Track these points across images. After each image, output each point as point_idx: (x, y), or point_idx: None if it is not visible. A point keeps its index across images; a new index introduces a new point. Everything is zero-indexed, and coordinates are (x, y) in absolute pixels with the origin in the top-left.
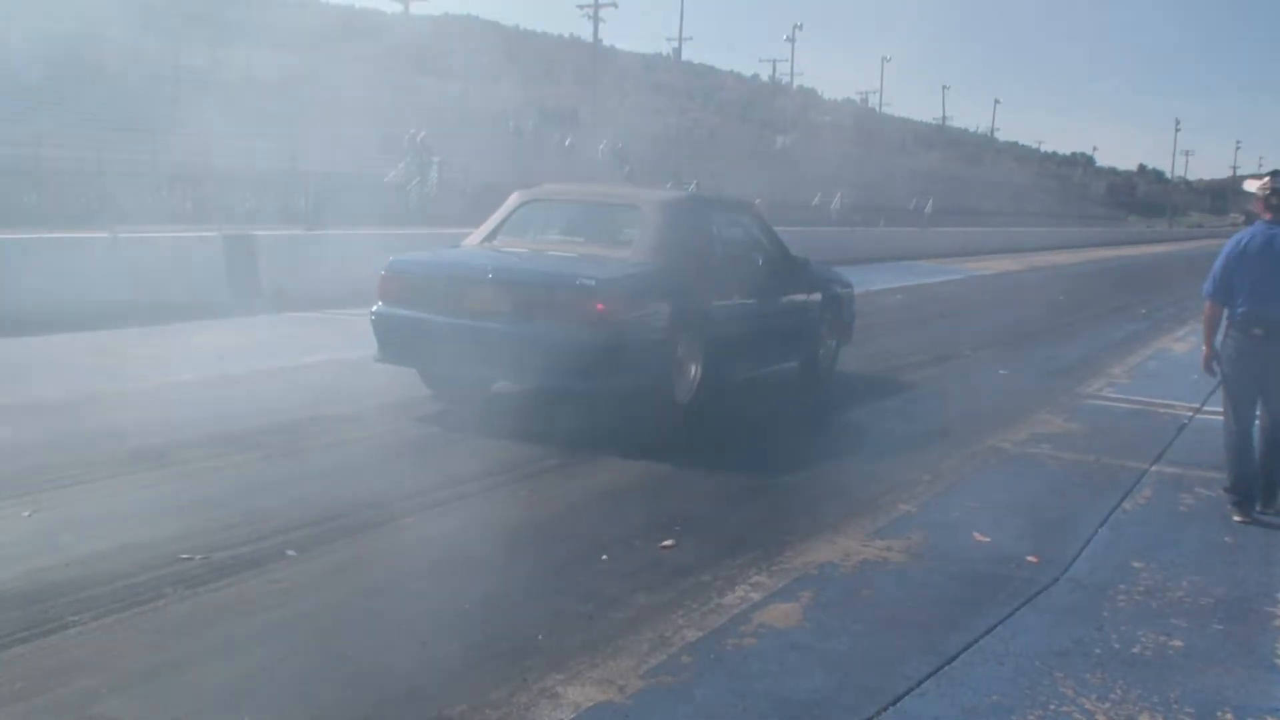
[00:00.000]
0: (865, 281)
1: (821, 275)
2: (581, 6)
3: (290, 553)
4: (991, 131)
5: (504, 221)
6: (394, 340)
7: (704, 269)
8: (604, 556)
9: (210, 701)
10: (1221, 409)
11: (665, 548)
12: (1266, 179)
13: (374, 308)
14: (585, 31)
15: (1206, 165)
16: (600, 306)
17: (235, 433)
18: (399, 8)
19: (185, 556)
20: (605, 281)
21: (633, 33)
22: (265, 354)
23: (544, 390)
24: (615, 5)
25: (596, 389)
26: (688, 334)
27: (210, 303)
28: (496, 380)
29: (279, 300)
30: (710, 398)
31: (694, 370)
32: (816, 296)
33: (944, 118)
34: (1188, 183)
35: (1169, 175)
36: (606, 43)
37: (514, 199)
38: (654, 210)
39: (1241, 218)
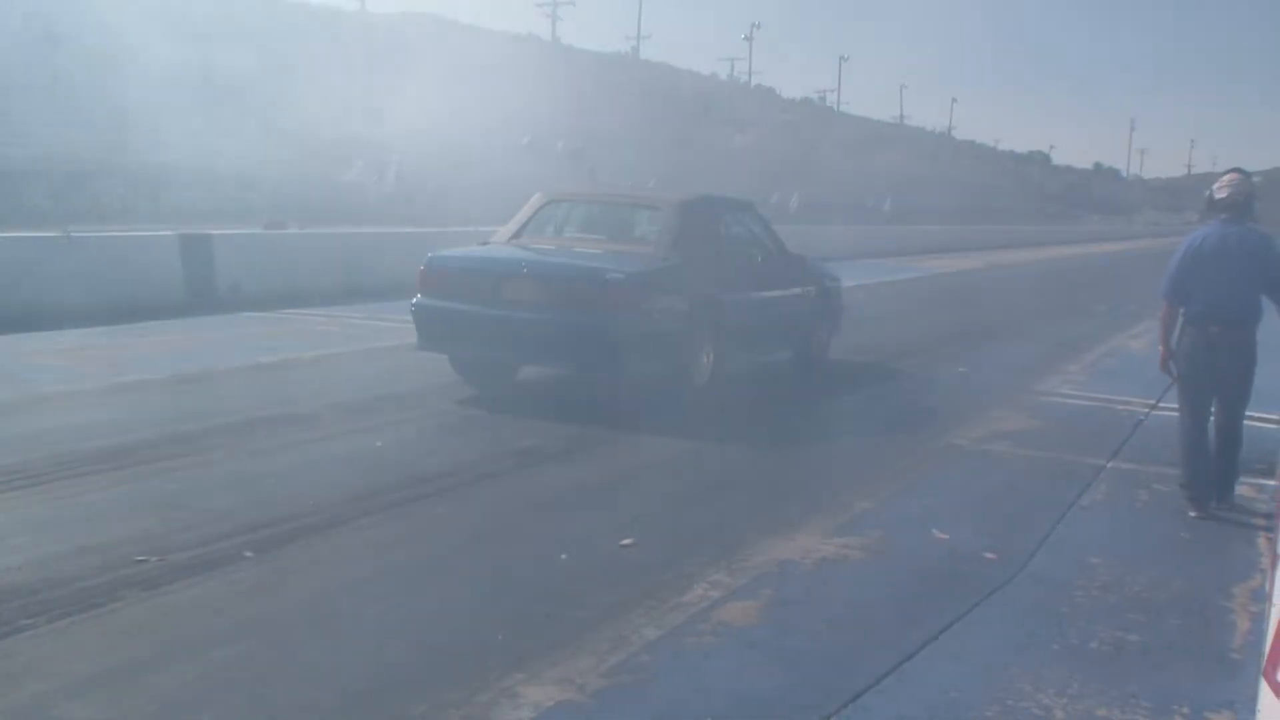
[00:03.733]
0: None
1: (814, 270)
2: (540, 5)
3: (248, 554)
4: (949, 130)
5: (529, 220)
6: (433, 329)
7: (716, 264)
8: (563, 555)
9: (167, 705)
10: (1177, 406)
11: (625, 546)
12: (1233, 173)
13: (414, 300)
14: (543, 30)
15: (1162, 163)
16: (628, 298)
17: (192, 433)
18: (356, 5)
19: (142, 558)
20: (632, 275)
21: (591, 31)
22: (221, 354)
23: (575, 373)
24: (573, 3)
25: (623, 373)
26: (703, 323)
27: (166, 302)
28: (530, 364)
29: (236, 300)
30: (722, 382)
31: (708, 357)
32: (811, 290)
33: (901, 116)
34: (1143, 181)
35: (1125, 173)
36: (565, 41)
37: (536, 199)
38: (672, 210)
39: (1196, 216)
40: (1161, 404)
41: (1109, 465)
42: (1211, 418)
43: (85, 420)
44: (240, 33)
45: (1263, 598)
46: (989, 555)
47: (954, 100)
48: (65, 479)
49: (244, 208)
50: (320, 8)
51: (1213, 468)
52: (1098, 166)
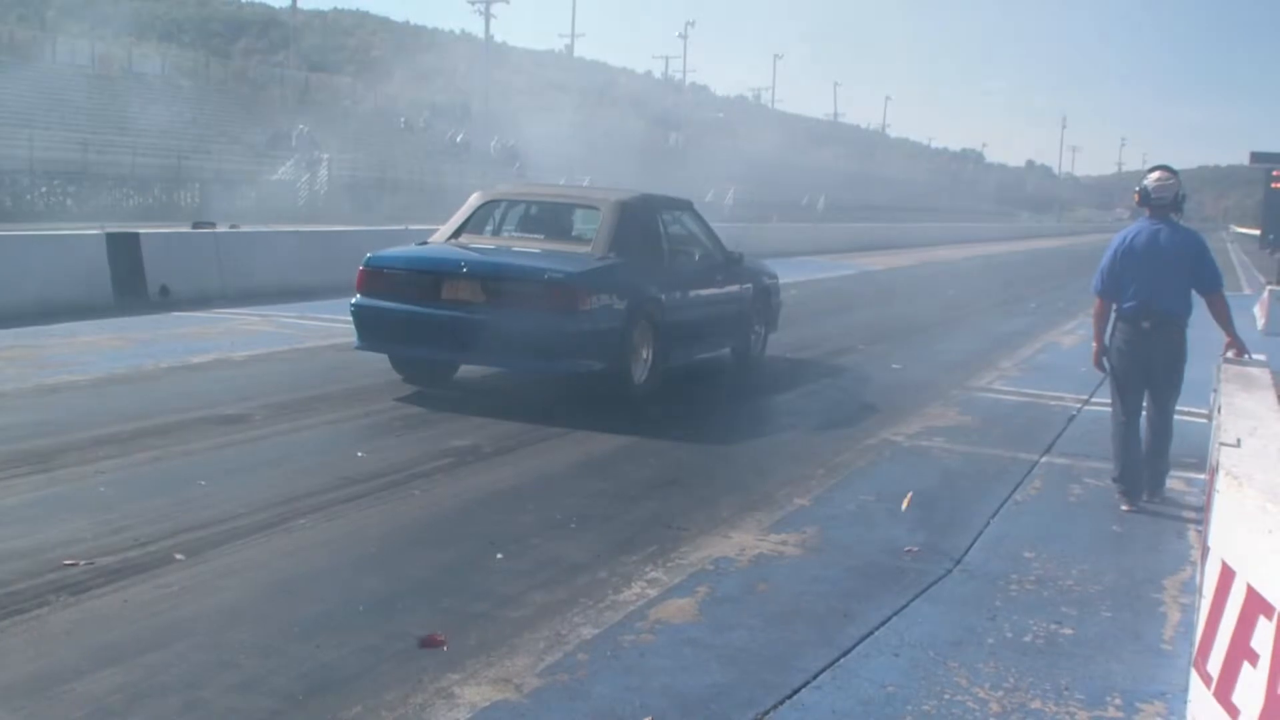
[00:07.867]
0: None
1: (752, 268)
2: (473, 2)
3: (179, 556)
4: (883, 128)
5: (467, 220)
6: (372, 329)
7: (654, 263)
8: (499, 555)
9: (96, 711)
10: (1109, 401)
11: (561, 543)
12: (1161, 170)
13: (353, 300)
14: (477, 27)
15: (1093, 161)
16: (567, 297)
17: (121, 434)
18: (287, 2)
19: (69, 562)
20: (571, 274)
21: (525, 29)
22: (151, 354)
23: (515, 372)
24: (507, 1)
25: (562, 372)
26: (642, 321)
27: (94, 303)
28: (469, 363)
29: (165, 299)
30: (660, 380)
31: (646, 354)
32: (749, 287)
33: (836, 114)
34: (1075, 178)
35: (1057, 171)
36: (499, 39)
37: (475, 199)
38: (610, 209)
39: (1126, 213)
40: (1094, 399)
41: (1042, 460)
42: (1143, 413)
43: (10, 421)
44: (171, 29)
45: (1193, 590)
46: (924, 550)
47: (888, 98)
48: None
49: (172, 207)
50: (252, 3)
51: (1144, 462)
52: (1030, 164)
